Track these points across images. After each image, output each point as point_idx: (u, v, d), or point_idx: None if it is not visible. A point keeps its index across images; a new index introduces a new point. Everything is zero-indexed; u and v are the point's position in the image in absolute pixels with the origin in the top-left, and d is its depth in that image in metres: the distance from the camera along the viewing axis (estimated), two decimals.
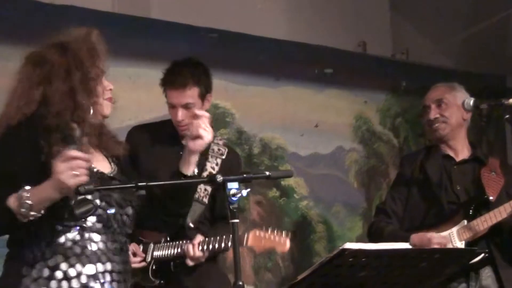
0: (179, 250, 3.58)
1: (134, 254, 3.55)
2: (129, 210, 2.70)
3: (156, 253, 3.63)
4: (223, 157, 3.77)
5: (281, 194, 5.10)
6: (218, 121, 4.84)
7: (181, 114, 3.64)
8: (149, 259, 3.63)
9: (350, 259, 2.45)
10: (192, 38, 4.73)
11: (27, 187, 2.41)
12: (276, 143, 5.15)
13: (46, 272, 2.52)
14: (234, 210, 2.44)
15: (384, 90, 5.84)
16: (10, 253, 2.62)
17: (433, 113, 4.04)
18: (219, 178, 2.47)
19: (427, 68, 5.90)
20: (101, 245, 2.60)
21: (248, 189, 2.56)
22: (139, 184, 2.51)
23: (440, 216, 3.96)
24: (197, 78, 3.68)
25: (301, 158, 5.32)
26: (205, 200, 3.68)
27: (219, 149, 3.80)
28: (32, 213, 2.40)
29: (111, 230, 2.63)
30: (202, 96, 3.69)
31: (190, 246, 3.52)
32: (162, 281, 3.65)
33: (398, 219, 4.09)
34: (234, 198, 2.46)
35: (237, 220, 2.45)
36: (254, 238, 3.56)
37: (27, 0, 4.22)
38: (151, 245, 3.64)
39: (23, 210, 2.39)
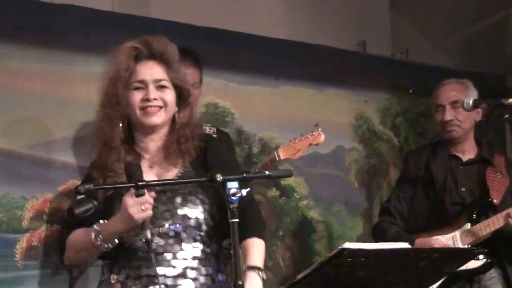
0: None
1: None
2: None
3: None
4: (216, 136, 3.86)
5: (281, 193, 5.09)
6: (218, 120, 4.83)
7: None
8: None
9: (349, 259, 2.45)
10: (192, 37, 4.73)
11: (101, 221, 2.73)
12: (275, 142, 5.13)
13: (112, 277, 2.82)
14: (234, 209, 2.45)
15: (384, 89, 5.84)
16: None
17: (449, 115, 4.01)
18: (219, 177, 2.47)
19: (427, 67, 5.90)
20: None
21: (248, 189, 2.57)
22: (139, 183, 2.55)
23: (444, 218, 3.96)
24: (197, 62, 3.98)
25: (301, 157, 5.29)
26: None
27: (210, 129, 3.97)
28: (105, 245, 2.72)
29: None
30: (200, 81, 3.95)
31: None
32: None
33: (402, 219, 4.08)
34: (233, 198, 2.47)
35: (237, 220, 2.46)
36: (285, 151, 3.83)
37: None
38: None
39: (97, 243, 2.72)
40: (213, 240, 2.86)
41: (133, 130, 2.92)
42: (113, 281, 2.79)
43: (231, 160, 3.07)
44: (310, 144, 3.88)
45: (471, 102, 3.79)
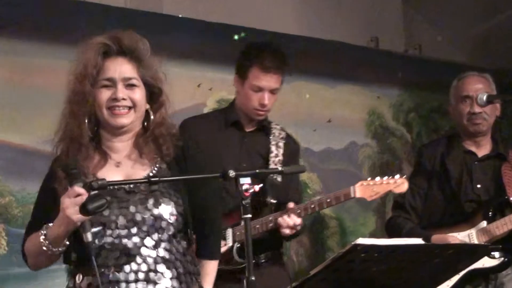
0: (270, 224, 3.54)
1: None
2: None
3: (238, 234, 3.56)
4: (284, 141, 3.79)
5: None
6: None
7: (268, 97, 3.64)
8: (230, 242, 3.56)
9: (362, 255, 2.45)
10: (204, 34, 4.74)
11: (49, 224, 2.59)
12: None
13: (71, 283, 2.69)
14: (247, 205, 2.44)
15: (396, 85, 5.83)
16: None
17: (478, 107, 3.95)
18: (232, 173, 2.46)
19: (440, 63, 5.88)
20: None
21: (261, 185, 2.56)
22: (152, 179, 2.53)
23: (460, 215, 3.93)
24: (285, 66, 3.72)
25: (314, 153, 5.30)
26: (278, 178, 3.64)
27: (279, 133, 3.81)
28: (55, 249, 2.58)
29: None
30: (281, 85, 3.74)
31: (285, 216, 3.51)
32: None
33: (416, 214, 4.05)
34: (246, 194, 2.46)
35: (249, 216, 2.45)
36: (363, 190, 3.58)
37: None
38: (229, 230, 3.57)
39: (44, 248, 2.58)
40: (183, 242, 2.72)
41: (100, 129, 2.76)
42: None
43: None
44: (390, 191, 3.64)
45: (485, 97, 3.77)
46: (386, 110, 5.77)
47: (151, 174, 2.70)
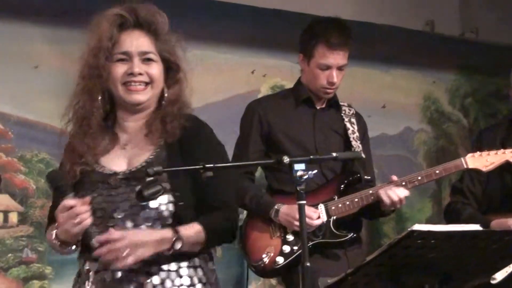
0: (371, 198, 3.50)
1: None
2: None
3: (334, 209, 3.53)
4: (355, 117, 3.75)
5: None
6: None
7: (336, 75, 3.61)
8: (325, 217, 3.51)
9: (419, 241, 2.42)
10: (259, 20, 4.73)
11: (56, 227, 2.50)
12: None
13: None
14: (302, 191, 2.43)
15: (453, 69, 5.76)
16: None
17: None
18: (286, 159, 2.45)
19: (497, 47, 5.79)
20: None
21: (315, 171, 2.54)
22: (206, 166, 2.44)
23: None
24: (351, 40, 3.68)
25: (369, 139, 5.28)
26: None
27: (349, 109, 3.77)
28: (67, 248, 2.53)
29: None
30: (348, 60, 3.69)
31: (388, 189, 3.45)
32: (353, 234, 3.58)
33: (476, 199, 3.99)
34: (301, 179, 2.44)
35: (304, 202, 2.44)
36: (476, 160, 3.55)
37: None
38: (321, 206, 3.54)
39: (58, 249, 2.54)
40: None
41: (115, 107, 2.61)
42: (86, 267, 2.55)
43: (219, 154, 2.64)
44: (507, 161, 3.56)
45: None
46: (442, 95, 5.71)
47: (148, 160, 2.53)
